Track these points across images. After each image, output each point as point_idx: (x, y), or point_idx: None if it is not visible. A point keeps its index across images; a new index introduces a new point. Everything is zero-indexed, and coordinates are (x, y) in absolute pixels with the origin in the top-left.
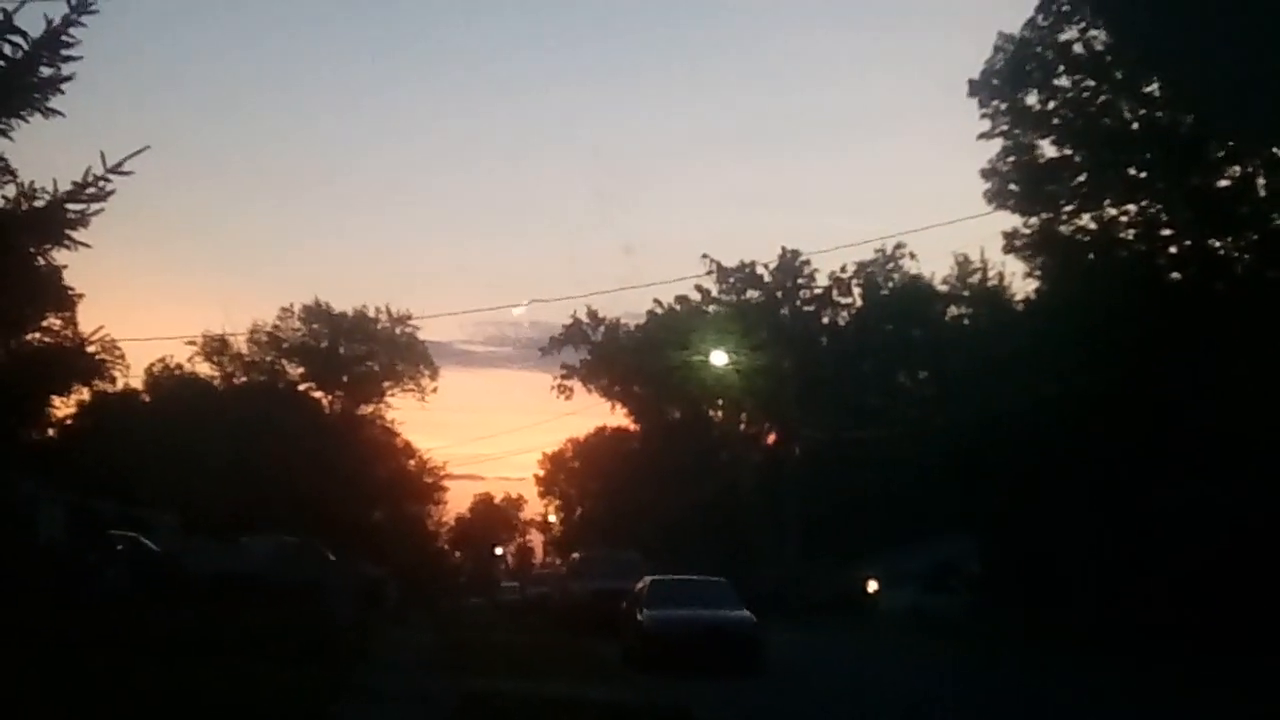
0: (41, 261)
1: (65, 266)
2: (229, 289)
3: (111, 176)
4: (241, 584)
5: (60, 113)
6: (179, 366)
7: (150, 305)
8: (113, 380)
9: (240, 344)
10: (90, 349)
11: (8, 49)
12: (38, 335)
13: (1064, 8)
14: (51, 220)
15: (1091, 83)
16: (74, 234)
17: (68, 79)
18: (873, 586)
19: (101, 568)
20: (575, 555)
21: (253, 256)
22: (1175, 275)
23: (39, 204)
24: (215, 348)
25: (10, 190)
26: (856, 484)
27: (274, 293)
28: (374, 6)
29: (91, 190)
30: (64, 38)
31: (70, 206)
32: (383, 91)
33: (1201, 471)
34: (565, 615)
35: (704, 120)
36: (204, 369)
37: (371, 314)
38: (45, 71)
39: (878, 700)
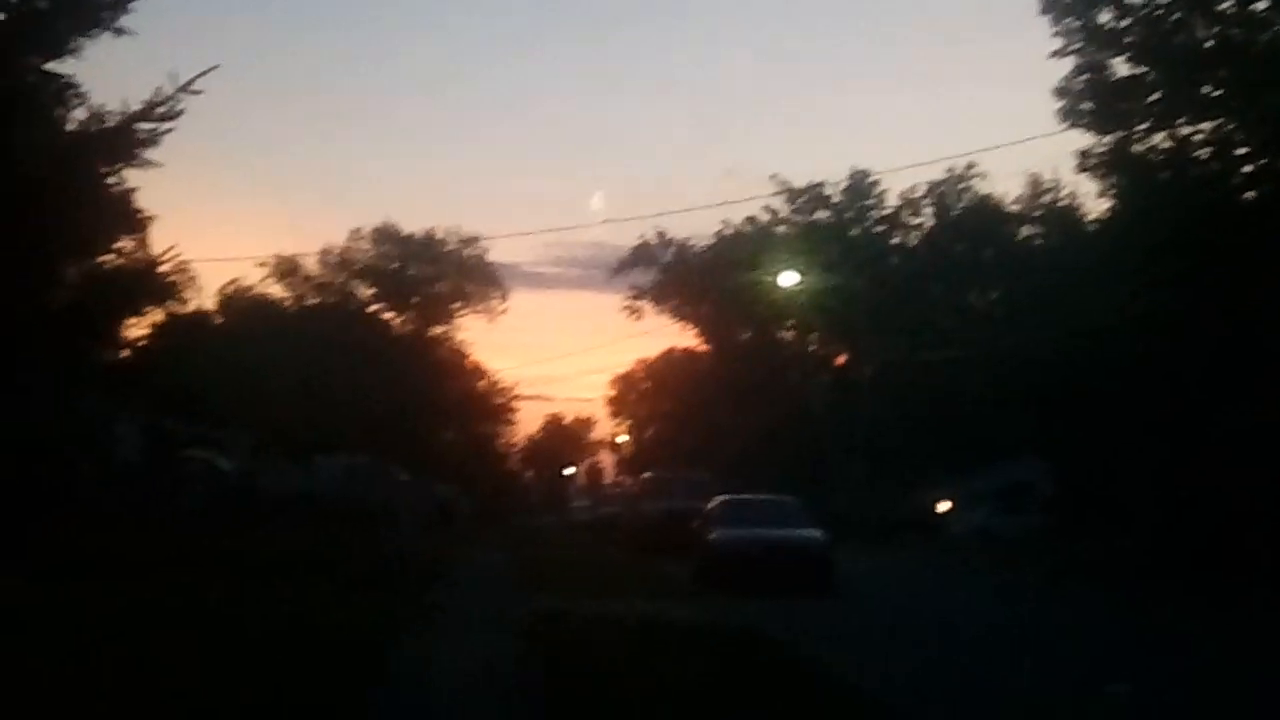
0: (113, 182)
1: (137, 189)
2: (300, 211)
3: (182, 95)
4: (313, 504)
5: (130, 31)
6: (250, 288)
7: (222, 227)
8: (185, 301)
9: (311, 265)
10: (162, 270)
11: None
12: (111, 257)
13: None
14: (123, 139)
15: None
16: (145, 153)
17: None
18: (944, 507)
19: (176, 487)
20: (646, 475)
21: (323, 178)
22: (1249, 194)
23: (109, 125)
24: (287, 269)
25: (80, 113)
26: (928, 405)
27: (344, 215)
28: None
29: (162, 109)
30: None
31: (141, 125)
32: (456, 15)
33: (1272, 397)
34: (636, 534)
35: (774, 41)
36: (276, 290)
37: (440, 235)
38: None
39: (943, 623)
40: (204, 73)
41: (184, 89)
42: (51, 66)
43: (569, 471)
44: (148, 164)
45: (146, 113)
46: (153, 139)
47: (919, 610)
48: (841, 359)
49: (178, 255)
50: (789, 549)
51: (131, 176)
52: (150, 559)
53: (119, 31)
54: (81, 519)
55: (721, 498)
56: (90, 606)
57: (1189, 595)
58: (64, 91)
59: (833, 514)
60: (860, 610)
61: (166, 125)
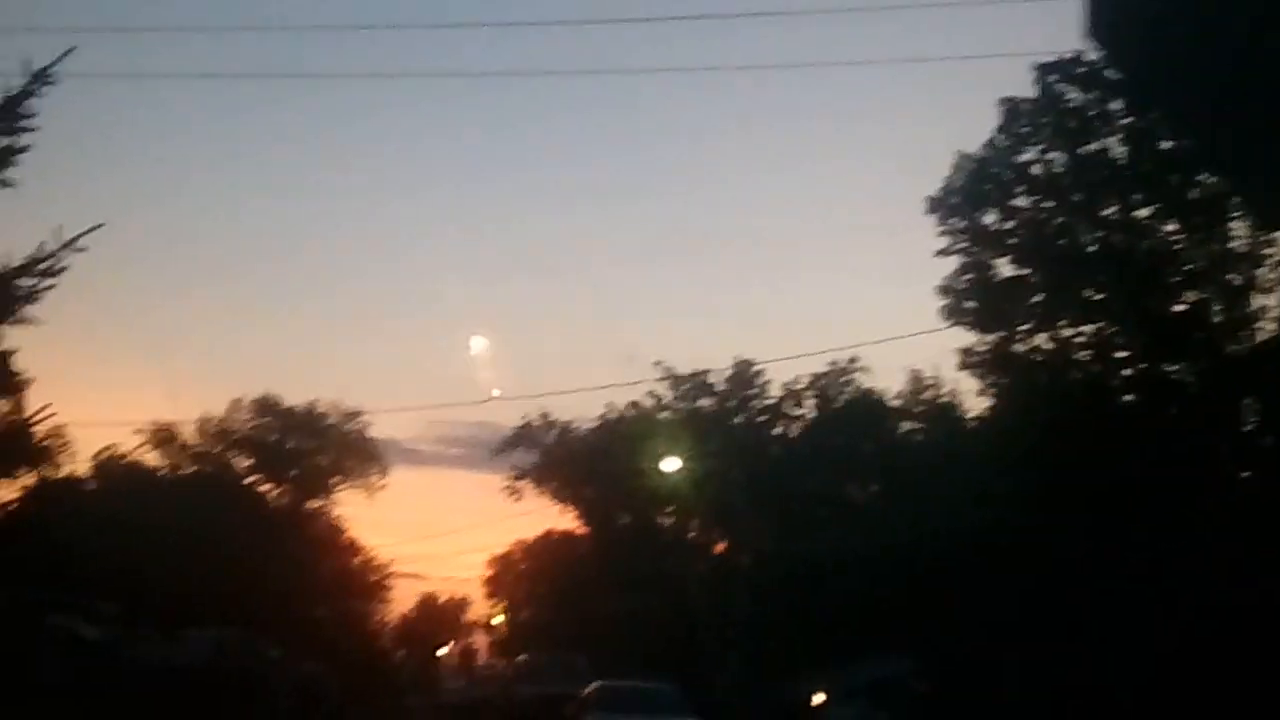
0: None
1: (15, 350)
2: (179, 377)
3: (65, 252)
4: (181, 677)
5: (14, 183)
6: (125, 455)
7: (97, 390)
8: (58, 466)
9: (189, 434)
10: (36, 433)
11: None
12: None
13: (1023, 129)
14: (2, 295)
15: (1050, 204)
16: (25, 310)
17: (24, 150)
18: (818, 699)
19: (34, 657)
20: (521, 658)
21: (203, 345)
22: (1128, 398)
23: None
24: (164, 437)
25: None
26: (804, 596)
27: (225, 384)
28: (327, 93)
29: (44, 265)
30: (21, 109)
31: (21, 282)
32: (336, 181)
33: (1150, 597)
34: (509, 717)
35: (658, 227)
36: (152, 458)
37: (321, 409)
38: (1, 142)
39: None
40: (90, 230)
41: (68, 245)
42: None
43: (442, 652)
44: (28, 321)
45: (28, 268)
46: (33, 295)
47: None
48: (721, 546)
49: (53, 417)
50: None
51: (9, 334)
52: None
53: (4, 184)
54: None
55: (598, 683)
56: None
57: None
58: None
59: (708, 703)
60: None
61: (49, 282)
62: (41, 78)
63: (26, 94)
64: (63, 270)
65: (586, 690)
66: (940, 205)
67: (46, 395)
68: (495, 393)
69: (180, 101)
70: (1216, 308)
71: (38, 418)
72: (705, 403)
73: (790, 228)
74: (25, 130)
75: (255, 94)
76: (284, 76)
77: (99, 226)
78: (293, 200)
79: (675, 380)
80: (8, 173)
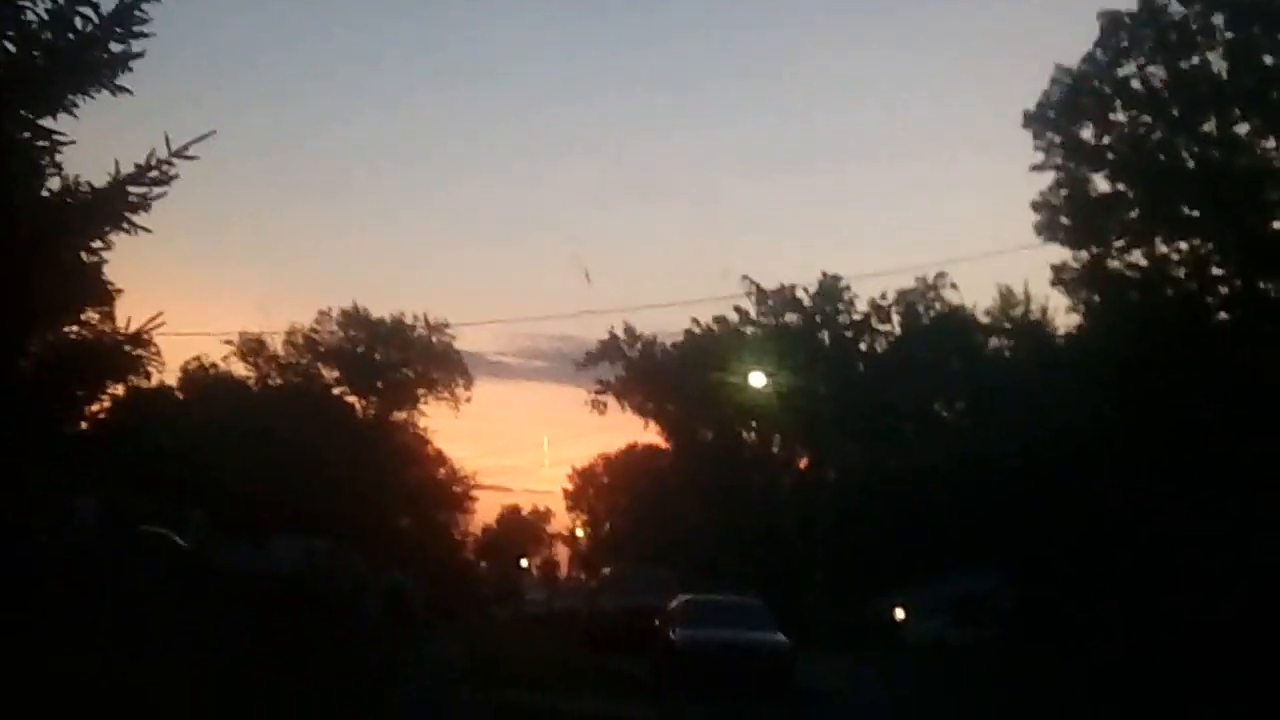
0: (98, 246)
1: (106, 261)
2: (267, 289)
3: (175, 160)
4: (273, 585)
5: (129, 90)
6: (214, 365)
7: (187, 301)
8: (148, 376)
9: (277, 345)
10: (137, 345)
11: (79, 22)
12: (75, 329)
13: (1123, 43)
14: (113, 202)
15: (1148, 119)
16: (134, 218)
17: (138, 55)
18: (899, 615)
19: (130, 564)
20: (607, 570)
21: (292, 257)
22: (1223, 315)
23: (100, 186)
24: (252, 348)
25: (55, 183)
26: (890, 511)
27: (312, 295)
28: (425, 11)
29: (154, 173)
30: (136, 13)
31: (133, 189)
32: (429, 96)
33: (1240, 515)
34: (594, 630)
35: (750, 140)
36: (239, 369)
37: (409, 320)
38: (116, 48)
39: None
40: (201, 138)
41: (179, 153)
42: (45, 123)
43: (524, 563)
44: (138, 228)
45: (138, 176)
46: (144, 204)
47: (877, 714)
48: (805, 462)
49: (157, 327)
50: (753, 652)
51: (120, 241)
52: (103, 636)
53: (117, 90)
54: (34, 596)
55: (685, 597)
56: (34, 684)
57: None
58: (55, 149)
59: (793, 618)
60: (819, 716)
61: (159, 190)
62: None
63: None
64: (173, 178)
65: (673, 604)
66: (1037, 120)
67: (135, 307)
68: (588, 284)
69: (288, 12)
70: None
71: (148, 327)
72: (791, 318)
73: (883, 144)
74: (140, 36)
75: (362, 5)
76: None
77: (210, 134)
78: (390, 114)
79: (761, 295)
80: (122, 79)
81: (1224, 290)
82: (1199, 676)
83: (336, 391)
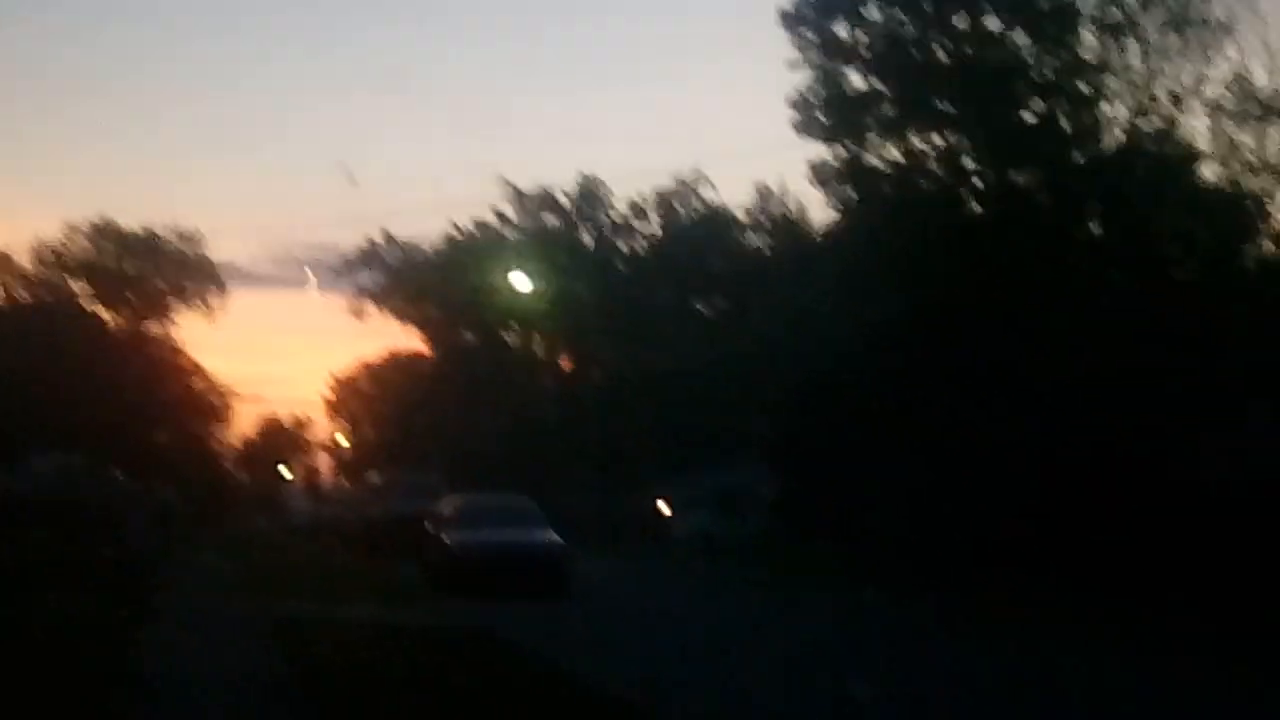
0: None
1: None
2: (12, 202)
3: None
4: (28, 506)
5: None
6: None
7: None
8: None
9: (23, 260)
10: None
11: None
12: None
13: None
14: None
15: (902, 16)
16: None
17: None
18: (664, 509)
19: None
20: (374, 477)
21: (35, 164)
22: (977, 208)
23: None
24: None
25: None
26: (653, 411)
27: (56, 207)
28: None
29: None
30: None
31: None
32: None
33: (1001, 405)
34: (363, 537)
35: (509, 39)
36: None
37: (159, 231)
38: None
39: (676, 622)
40: None
41: None
42: None
43: (285, 473)
44: None
45: None
46: None
47: (648, 612)
48: (566, 363)
49: None
50: (527, 552)
51: None
52: None
53: None
54: None
55: (455, 498)
56: None
57: (929, 597)
58: None
59: (560, 515)
60: (594, 613)
61: None
62: None
63: None
64: None
65: (443, 506)
66: (794, 18)
67: None
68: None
69: None
70: (1064, 118)
71: None
72: (551, 220)
73: (641, 45)
74: None
75: None
76: None
77: None
78: (138, 17)
79: (520, 198)
80: None
81: (978, 184)
82: (953, 570)
83: (88, 306)
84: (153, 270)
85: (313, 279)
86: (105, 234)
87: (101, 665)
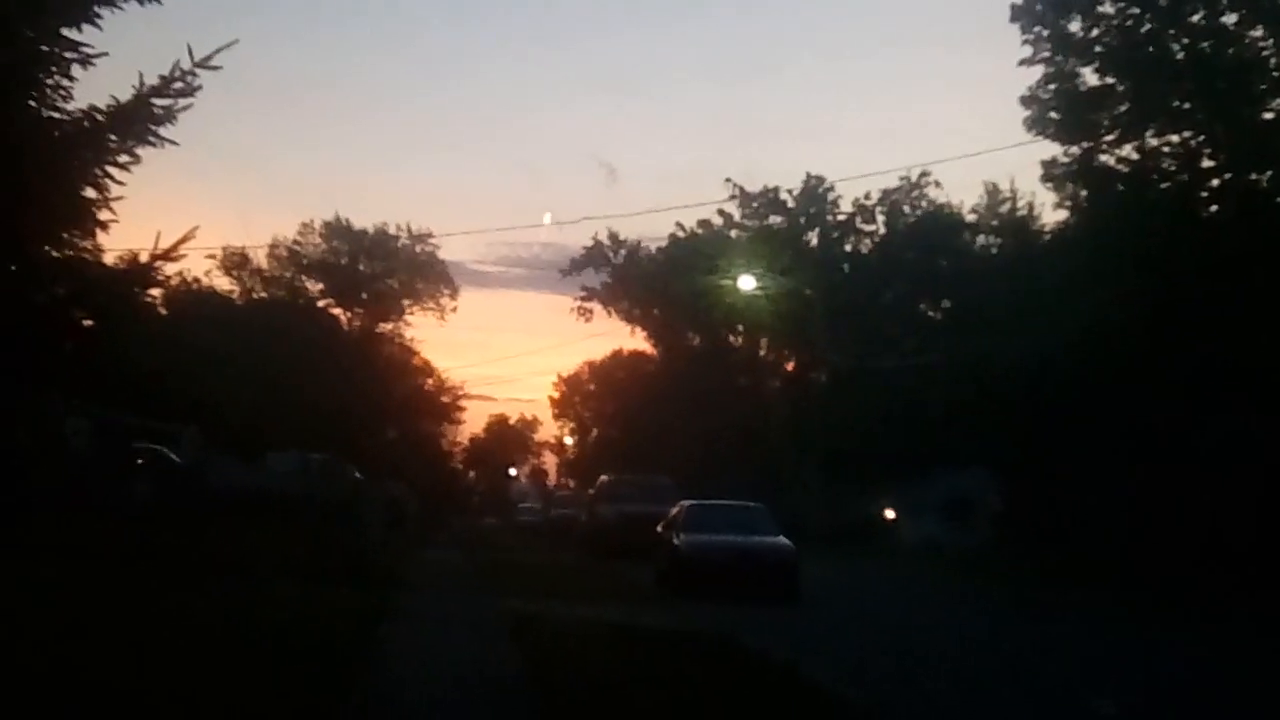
0: (125, 161)
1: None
2: (249, 202)
3: (198, 71)
4: (270, 500)
5: (158, 1)
6: (196, 281)
7: (169, 215)
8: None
9: (260, 259)
10: (161, 270)
11: None
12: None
13: None
14: (137, 115)
15: (1135, 10)
16: (160, 130)
17: None
18: (890, 515)
19: (126, 481)
20: (604, 478)
21: (273, 169)
22: (1213, 209)
23: (125, 100)
24: (235, 262)
25: (95, 85)
26: (880, 413)
27: (294, 207)
28: None
29: (179, 85)
30: None
31: (156, 101)
32: (414, 17)
33: (1234, 412)
34: (592, 538)
35: (731, 40)
36: (223, 283)
37: (392, 231)
38: None
39: (918, 634)
40: (224, 47)
41: (202, 64)
42: (71, 34)
43: (513, 472)
44: (164, 142)
45: (162, 88)
46: (169, 116)
47: (889, 618)
48: (791, 365)
49: (183, 254)
50: (758, 556)
51: (147, 158)
52: (104, 553)
53: (146, 0)
54: (35, 513)
55: (688, 503)
56: (36, 605)
57: (1163, 607)
58: (88, 61)
59: (786, 519)
60: (831, 620)
61: (184, 101)
62: None
63: None
64: (198, 89)
65: (675, 510)
66: (1024, 13)
67: (125, 224)
68: (546, 219)
69: None
70: None
71: (171, 252)
72: (776, 220)
73: (867, 42)
74: None
75: None
76: None
77: (233, 43)
78: (366, 23)
79: (745, 198)
80: None
81: (1214, 183)
82: (1187, 590)
83: (322, 304)
84: (386, 269)
85: (547, 219)
86: (339, 233)
87: (343, 660)
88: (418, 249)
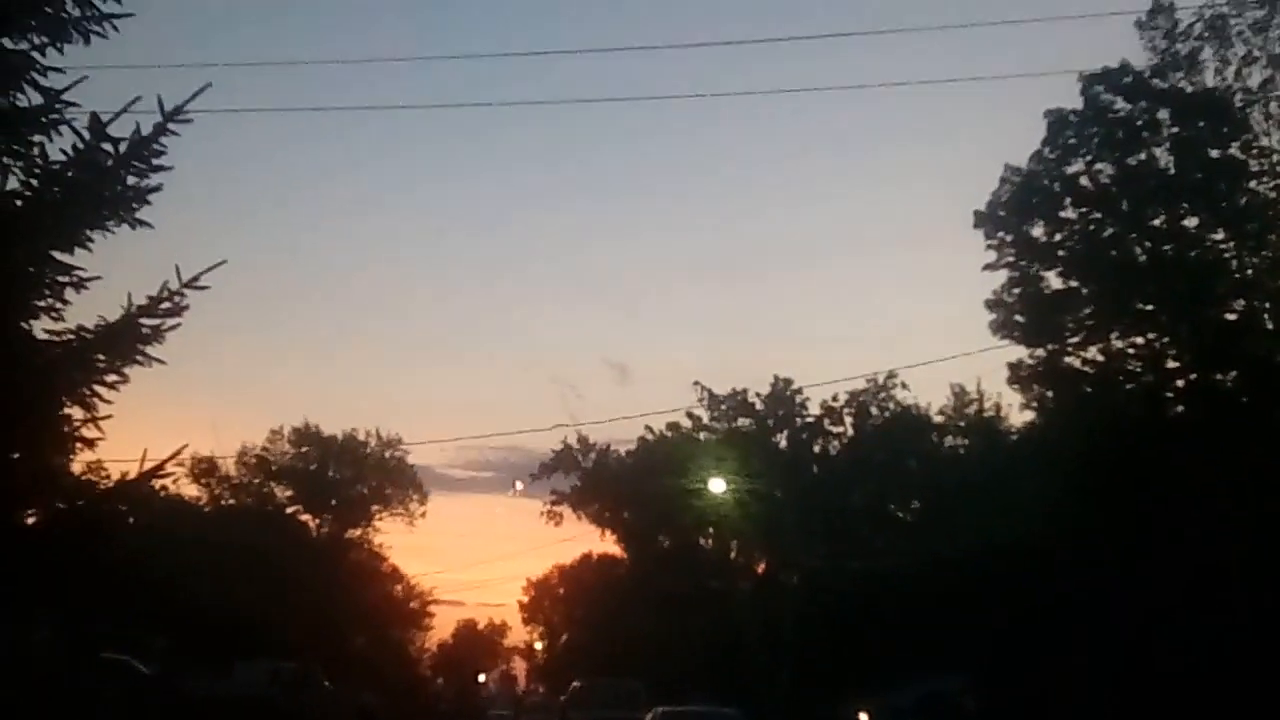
0: (113, 380)
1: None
2: (216, 410)
3: (186, 291)
4: (239, 712)
5: (149, 224)
6: (164, 488)
7: (135, 422)
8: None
9: (229, 466)
10: (146, 485)
11: (100, 157)
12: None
13: (1070, 141)
14: (126, 335)
15: (1098, 215)
16: (148, 350)
17: (156, 189)
18: (863, 718)
19: (95, 692)
20: (576, 683)
21: (240, 377)
22: (1179, 409)
23: (113, 320)
24: (204, 469)
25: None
26: (851, 614)
27: (261, 414)
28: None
29: (166, 304)
30: (155, 145)
31: (145, 321)
32: (374, 215)
33: (1206, 610)
34: None
35: (695, 245)
36: (191, 490)
37: (361, 437)
38: (132, 181)
39: None
40: (212, 267)
41: (190, 284)
42: (63, 258)
43: (482, 678)
44: (151, 361)
45: (150, 308)
46: (157, 335)
47: None
48: (763, 566)
49: (175, 467)
50: None
51: (134, 375)
52: None
53: (137, 224)
54: None
55: (661, 709)
56: None
57: None
58: (81, 284)
59: None
60: None
61: (172, 321)
62: (175, 115)
63: (159, 132)
64: (185, 309)
65: (648, 717)
66: (988, 219)
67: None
68: (565, 424)
69: (228, 136)
70: (1268, 316)
71: (160, 469)
72: (744, 422)
73: (831, 246)
74: (159, 169)
75: (299, 127)
76: (327, 109)
77: (221, 263)
78: (334, 235)
79: (714, 400)
80: (141, 213)
81: (1180, 384)
82: None
83: (290, 511)
84: (355, 476)
85: (518, 485)
86: (308, 439)
87: None
88: (386, 454)
